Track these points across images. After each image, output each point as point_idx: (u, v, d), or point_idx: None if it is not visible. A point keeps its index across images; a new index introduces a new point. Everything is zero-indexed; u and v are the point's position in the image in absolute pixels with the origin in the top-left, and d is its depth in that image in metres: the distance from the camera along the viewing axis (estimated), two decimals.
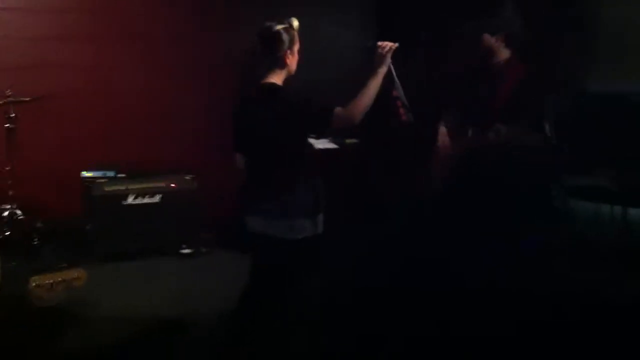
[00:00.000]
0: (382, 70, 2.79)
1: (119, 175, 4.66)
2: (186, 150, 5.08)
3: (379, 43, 2.84)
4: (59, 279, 2.23)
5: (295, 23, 2.79)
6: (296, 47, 2.80)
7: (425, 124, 3.56)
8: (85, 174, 4.58)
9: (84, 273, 2.24)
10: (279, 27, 2.76)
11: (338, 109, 2.69)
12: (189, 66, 5.17)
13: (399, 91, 3.21)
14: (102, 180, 4.56)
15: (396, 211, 3.52)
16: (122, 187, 4.59)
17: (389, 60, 2.82)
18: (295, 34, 2.79)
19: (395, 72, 3.15)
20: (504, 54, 3.44)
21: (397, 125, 3.30)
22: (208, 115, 5.21)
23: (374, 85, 2.75)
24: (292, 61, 2.81)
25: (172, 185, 4.75)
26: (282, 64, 2.78)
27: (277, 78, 2.79)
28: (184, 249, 4.75)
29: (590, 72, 6.80)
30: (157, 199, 4.69)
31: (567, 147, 4.05)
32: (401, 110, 3.22)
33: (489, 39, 3.40)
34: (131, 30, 4.97)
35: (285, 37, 2.76)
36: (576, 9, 6.34)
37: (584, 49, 6.56)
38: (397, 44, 2.89)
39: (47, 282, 2.23)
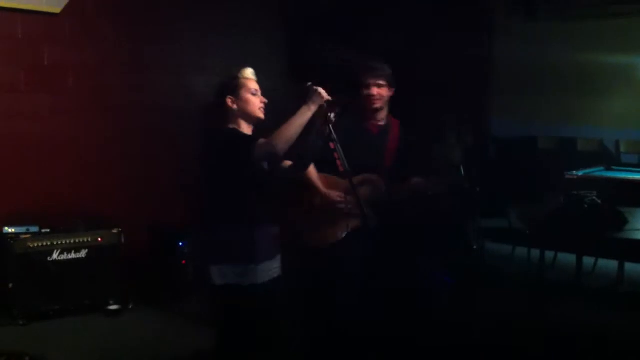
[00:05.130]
0: (314, 104, 2.78)
1: (43, 230, 4.49)
2: (111, 203, 4.97)
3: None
4: None
5: (245, 71, 2.89)
6: (244, 93, 2.85)
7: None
8: (7, 229, 4.38)
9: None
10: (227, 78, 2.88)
11: (261, 139, 2.73)
12: (117, 118, 5.12)
13: (335, 143, 3.36)
14: (26, 236, 4.38)
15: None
16: (47, 243, 4.44)
17: (322, 96, 2.82)
18: (241, 80, 2.87)
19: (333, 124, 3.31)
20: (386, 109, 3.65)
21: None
22: (133, 167, 5.19)
23: (302, 117, 2.74)
24: (242, 105, 2.85)
25: (99, 239, 4.64)
26: (227, 110, 2.85)
27: (236, 124, 2.87)
28: (112, 305, 4.62)
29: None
30: (83, 254, 4.56)
31: (479, 190, 4.30)
32: (338, 162, 3.35)
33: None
34: (51, 78, 4.87)
35: (225, 84, 2.87)
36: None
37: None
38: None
39: None
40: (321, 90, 2.82)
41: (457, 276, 4.80)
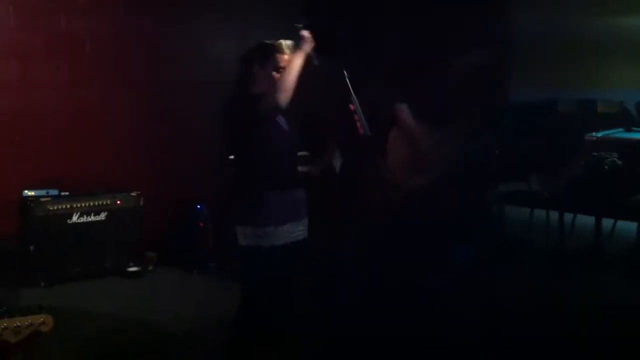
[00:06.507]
0: (304, 50, 2.77)
1: (63, 193, 4.52)
2: (129, 166, 4.97)
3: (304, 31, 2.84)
4: (27, 323, 2.16)
5: (282, 44, 2.83)
6: (269, 68, 2.83)
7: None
8: (27, 192, 4.42)
9: (51, 318, 2.20)
10: (262, 43, 2.87)
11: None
12: (133, 82, 5.05)
13: (355, 105, 3.32)
14: (45, 199, 4.42)
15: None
16: (67, 206, 4.48)
17: (309, 42, 2.80)
18: (271, 55, 2.83)
19: (352, 86, 3.28)
20: None
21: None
22: (152, 132, 5.15)
23: (296, 65, 2.74)
24: (263, 79, 2.83)
25: (118, 202, 4.68)
26: (251, 76, 2.86)
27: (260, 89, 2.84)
28: (131, 267, 4.68)
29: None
30: (102, 216, 4.61)
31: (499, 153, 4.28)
32: (358, 124, 3.33)
33: None
34: (70, 47, 4.84)
35: (254, 52, 2.87)
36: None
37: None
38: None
39: (14, 325, 2.16)
40: (307, 34, 2.80)
41: (475, 241, 4.79)
